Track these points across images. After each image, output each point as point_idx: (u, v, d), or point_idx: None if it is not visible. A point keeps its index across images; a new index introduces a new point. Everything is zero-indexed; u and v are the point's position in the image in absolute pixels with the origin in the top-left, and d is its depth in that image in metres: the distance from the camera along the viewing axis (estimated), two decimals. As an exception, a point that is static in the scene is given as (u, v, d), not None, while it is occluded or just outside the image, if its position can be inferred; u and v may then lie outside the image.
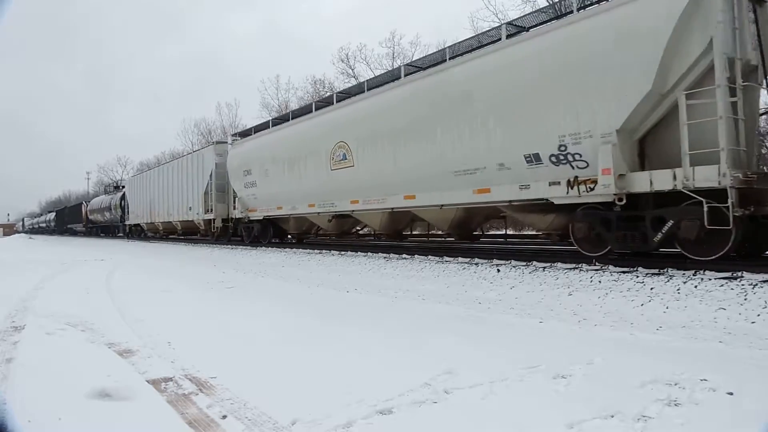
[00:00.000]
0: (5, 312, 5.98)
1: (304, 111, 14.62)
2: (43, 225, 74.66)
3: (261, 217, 16.34)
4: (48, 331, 4.98)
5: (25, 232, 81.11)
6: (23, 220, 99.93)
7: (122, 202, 32.72)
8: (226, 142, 19.64)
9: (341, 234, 14.84)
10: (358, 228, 14.78)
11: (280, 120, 15.92)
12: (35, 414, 2.77)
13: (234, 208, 17.69)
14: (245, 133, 17.81)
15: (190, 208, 20.82)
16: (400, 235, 13.03)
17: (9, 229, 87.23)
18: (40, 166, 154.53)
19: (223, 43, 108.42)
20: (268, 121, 16.70)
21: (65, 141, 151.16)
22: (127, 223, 31.11)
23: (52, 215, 67.97)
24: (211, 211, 19.12)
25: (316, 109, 13.62)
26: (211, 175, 19.10)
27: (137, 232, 30.26)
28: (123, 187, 37.47)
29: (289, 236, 17.51)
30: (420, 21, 57.48)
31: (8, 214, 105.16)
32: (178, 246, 21.67)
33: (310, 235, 17.03)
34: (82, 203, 47.81)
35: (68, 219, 53.44)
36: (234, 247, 17.42)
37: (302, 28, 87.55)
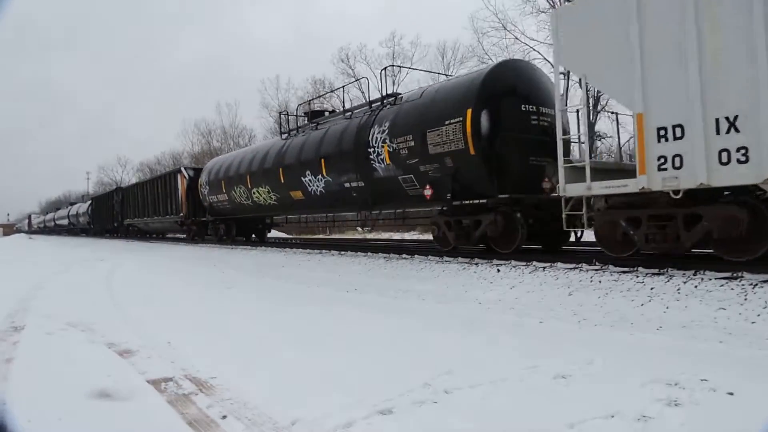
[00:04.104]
0: (5, 312, 5.98)
1: None
2: (64, 222, 49.78)
3: None
4: (48, 331, 4.99)
5: (32, 233, 66.98)
6: (29, 217, 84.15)
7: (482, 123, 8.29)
8: None
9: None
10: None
11: None
12: (35, 414, 2.77)
13: None
14: None
15: None
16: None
17: (9, 229, 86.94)
18: (40, 166, 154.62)
19: (240, 44, 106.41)
20: None
21: (65, 141, 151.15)
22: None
23: (83, 207, 42.34)
24: None
25: None
26: None
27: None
28: (390, 100, 10.53)
29: None
30: (450, 21, 56.61)
31: (8, 214, 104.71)
32: None
33: None
34: (179, 170, 21.61)
35: (126, 210, 28.32)
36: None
37: (328, 28, 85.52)
